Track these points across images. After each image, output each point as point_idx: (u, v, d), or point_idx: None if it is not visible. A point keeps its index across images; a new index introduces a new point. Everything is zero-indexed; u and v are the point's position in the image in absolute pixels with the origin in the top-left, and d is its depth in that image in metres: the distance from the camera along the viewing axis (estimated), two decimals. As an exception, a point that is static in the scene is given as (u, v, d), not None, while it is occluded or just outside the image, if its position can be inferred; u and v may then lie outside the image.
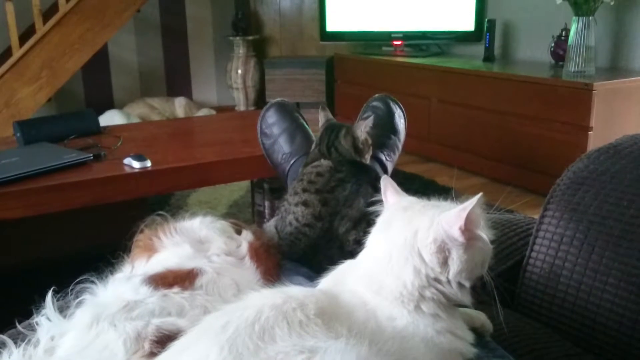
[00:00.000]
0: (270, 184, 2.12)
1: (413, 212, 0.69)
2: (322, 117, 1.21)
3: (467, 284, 0.66)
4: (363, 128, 1.14)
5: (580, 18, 2.88)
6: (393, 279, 0.66)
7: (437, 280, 0.65)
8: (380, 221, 0.72)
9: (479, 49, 3.75)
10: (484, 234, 0.66)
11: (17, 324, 0.83)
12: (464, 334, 0.67)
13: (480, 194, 0.63)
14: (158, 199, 2.78)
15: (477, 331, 0.74)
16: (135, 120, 4.10)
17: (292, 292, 0.64)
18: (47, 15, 3.78)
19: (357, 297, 0.66)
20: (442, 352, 0.63)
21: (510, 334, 0.88)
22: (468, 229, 0.63)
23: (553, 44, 3.31)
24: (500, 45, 3.81)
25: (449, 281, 0.65)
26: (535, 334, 0.91)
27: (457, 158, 3.47)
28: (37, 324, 0.78)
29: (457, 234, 0.63)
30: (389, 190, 0.75)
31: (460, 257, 0.64)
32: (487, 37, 3.64)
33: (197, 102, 4.90)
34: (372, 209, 0.75)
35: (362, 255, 0.72)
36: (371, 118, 1.16)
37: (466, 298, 0.67)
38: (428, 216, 0.66)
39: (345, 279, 0.70)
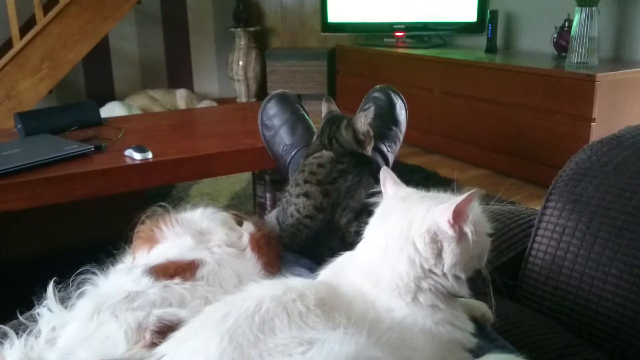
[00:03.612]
0: (271, 175, 2.12)
1: (411, 202, 0.69)
2: (325, 108, 1.21)
3: (463, 277, 0.66)
4: (363, 119, 1.13)
5: (584, 9, 2.86)
6: (389, 270, 0.66)
7: (432, 271, 0.65)
8: (378, 212, 0.72)
9: (481, 40, 3.73)
10: (480, 228, 0.65)
11: (18, 315, 0.83)
12: (464, 325, 0.67)
13: (473, 190, 0.63)
14: (159, 191, 2.79)
15: (477, 321, 0.74)
16: (137, 111, 4.10)
17: (292, 283, 0.64)
18: (47, 6, 3.76)
19: (356, 289, 0.66)
20: (442, 343, 0.63)
21: (511, 325, 0.88)
22: (457, 222, 0.63)
23: (556, 35, 3.29)
24: (502, 36, 3.79)
25: (444, 274, 0.65)
26: (536, 324, 0.91)
27: (459, 149, 3.46)
28: (38, 314, 0.78)
29: (446, 226, 0.63)
30: (388, 182, 0.74)
31: (453, 250, 0.64)
32: (490, 28, 3.62)
33: (198, 93, 4.89)
34: (372, 200, 0.75)
35: (360, 246, 0.72)
36: (372, 109, 1.16)
37: (463, 290, 0.67)
38: (424, 207, 0.66)
39: (344, 271, 0.70)
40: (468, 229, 0.64)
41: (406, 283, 0.65)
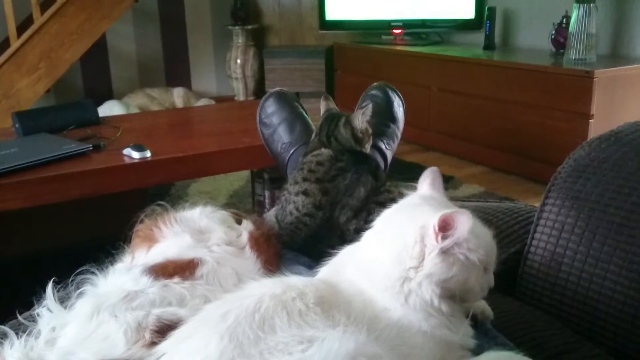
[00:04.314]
0: (270, 173, 2.12)
1: (427, 204, 0.68)
2: (323, 106, 1.21)
3: (437, 292, 0.63)
4: (361, 117, 1.13)
5: (581, 5, 2.87)
6: (380, 267, 0.65)
7: (410, 274, 0.64)
8: (393, 206, 0.71)
9: (479, 37, 3.74)
10: (471, 253, 0.63)
11: (18, 315, 0.83)
12: (461, 329, 0.66)
13: (466, 211, 0.61)
14: (158, 190, 2.78)
15: (477, 318, 0.74)
16: (135, 110, 4.09)
17: (292, 281, 0.64)
18: (44, 5, 3.76)
19: (355, 287, 0.66)
20: (439, 344, 0.63)
21: (511, 322, 0.88)
22: (443, 234, 0.62)
23: (554, 32, 3.29)
24: (500, 33, 3.79)
25: (420, 282, 0.63)
26: (536, 321, 0.91)
27: (457, 147, 3.46)
28: (38, 315, 0.78)
29: (431, 232, 0.62)
30: (426, 182, 0.73)
31: (433, 259, 0.63)
32: (488, 25, 3.62)
33: (196, 92, 4.88)
34: (406, 192, 0.74)
35: (362, 238, 0.71)
36: (369, 107, 1.16)
37: (444, 306, 0.64)
38: (435, 209, 0.65)
39: (343, 268, 0.70)
40: (447, 243, 0.62)
41: (393, 283, 0.64)
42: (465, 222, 0.61)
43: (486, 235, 0.67)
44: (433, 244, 0.62)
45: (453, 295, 0.65)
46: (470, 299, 0.67)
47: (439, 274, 0.63)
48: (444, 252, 0.63)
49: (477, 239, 0.64)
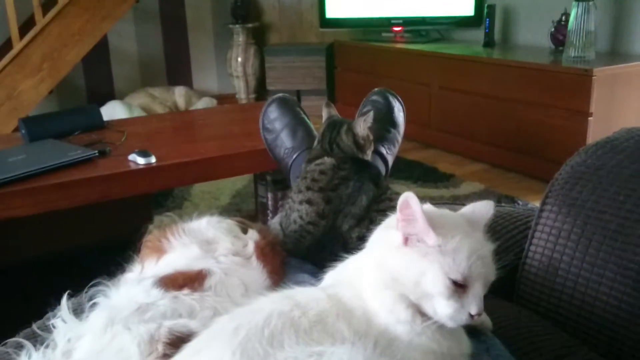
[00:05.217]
0: (272, 175, 2.14)
1: (435, 211, 0.67)
2: (325, 113, 1.23)
3: (388, 290, 0.62)
4: (363, 124, 1.15)
5: (580, 2, 2.88)
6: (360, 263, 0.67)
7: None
8: None
9: (479, 34, 3.75)
10: (430, 251, 0.60)
11: (33, 326, 0.86)
12: (452, 340, 0.64)
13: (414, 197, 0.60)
14: (162, 190, 2.80)
15: (476, 328, 0.75)
16: (137, 110, 4.11)
17: (298, 297, 0.65)
18: (46, 6, 3.77)
19: (355, 294, 0.66)
20: (435, 356, 0.63)
21: (509, 326, 0.90)
22: (402, 219, 0.61)
23: (553, 29, 3.31)
24: (500, 30, 3.80)
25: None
26: (534, 326, 0.93)
27: (457, 144, 3.48)
28: (53, 326, 0.80)
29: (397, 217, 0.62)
30: (468, 206, 0.69)
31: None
32: (487, 22, 3.63)
33: (198, 90, 4.89)
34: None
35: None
36: (371, 114, 1.18)
37: (403, 313, 0.61)
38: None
39: (345, 276, 0.71)
40: (405, 228, 0.61)
41: (366, 273, 0.65)
42: (416, 204, 0.60)
43: (468, 245, 0.61)
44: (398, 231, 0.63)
45: (417, 304, 0.62)
46: (433, 314, 0.61)
47: (394, 264, 0.63)
48: (405, 245, 0.62)
49: (442, 239, 0.61)
